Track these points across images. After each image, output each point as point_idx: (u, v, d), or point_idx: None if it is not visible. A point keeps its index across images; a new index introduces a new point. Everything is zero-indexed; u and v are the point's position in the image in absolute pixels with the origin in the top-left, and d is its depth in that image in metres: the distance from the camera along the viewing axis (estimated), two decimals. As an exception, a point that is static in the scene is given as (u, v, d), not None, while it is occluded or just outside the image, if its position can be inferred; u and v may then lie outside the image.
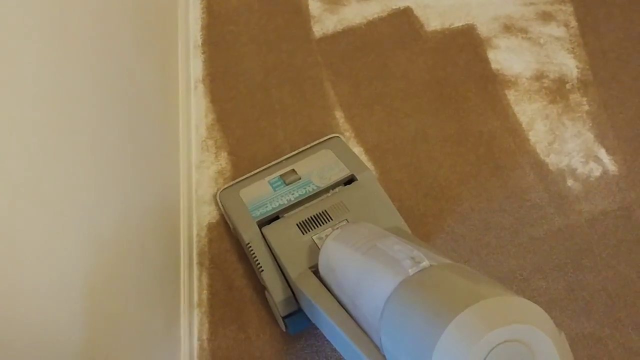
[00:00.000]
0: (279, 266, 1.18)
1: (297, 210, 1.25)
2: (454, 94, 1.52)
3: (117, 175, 1.04)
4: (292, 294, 1.16)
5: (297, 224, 1.20)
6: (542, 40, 1.59)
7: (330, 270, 1.00)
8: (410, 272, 0.75)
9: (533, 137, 1.47)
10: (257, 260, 1.20)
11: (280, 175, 1.33)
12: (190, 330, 1.27)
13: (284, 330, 1.23)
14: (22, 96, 0.71)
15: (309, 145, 1.40)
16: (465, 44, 1.59)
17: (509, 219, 1.38)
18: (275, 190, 1.30)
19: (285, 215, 1.25)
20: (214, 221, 1.40)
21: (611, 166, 1.43)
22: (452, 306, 0.64)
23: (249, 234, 1.23)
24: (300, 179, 1.31)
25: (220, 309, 1.31)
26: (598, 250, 1.35)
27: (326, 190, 1.28)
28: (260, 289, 1.32)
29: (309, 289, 1.05)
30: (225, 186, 1.37)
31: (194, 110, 1.52)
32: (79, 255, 0.83)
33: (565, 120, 1.49)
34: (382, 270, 0.81)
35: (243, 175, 1.38)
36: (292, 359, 1.26)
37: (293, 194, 1.28)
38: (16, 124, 0.69)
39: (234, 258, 1.36)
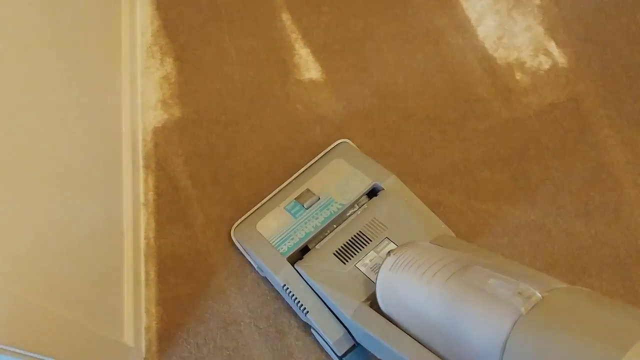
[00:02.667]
0: (324, 302, 1.06)
1: (327, 237, 1.13)
2: (403, -8, 1.50)
3: (47, 77, 1.04)
4: (346, 330, 1.04)
5: (334, 253, 1.07)
6: (494, -64, 1.55)
7: (400, 306, 0.88)
8: (523, 310, 0.64)
9: (482, 32, 1.45)
10: (298, 302, 1.08)
11: (296, 199, 1.19)
12: (135, 228, 1.27)
13: None
14: None
15: (317, 158, 1.28)
16: (415, -58, 1.55)
17: (454, 114, 1.37)
18: (296, 217, 1.17)
19: (317, 245, 1.12)
20: (160, 125, 1.40)
21: (560, 58, 1.41)
22: (605, 353, 0.55)
23: (283, 275, 1.10)
24: (319, 199, 1.17)
25: (166, 209, 1.32)
26: (545, 141, 1.34)
27: (352, 207, 1.15)
28: (206, 186, 1.33)
29: (376, 330, 0.92)
30: (239, 221, 1.25)
31: (139, 17, 1.50)
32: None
33: (516, 15, 1.46)
34: (484, 311, 0.70)
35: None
36: (236, 254, 1.27)
37: (317, 218, 1.15)
38: None
39: (180, 160, 1.36)
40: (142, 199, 1.33)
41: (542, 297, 0.65)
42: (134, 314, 1.19)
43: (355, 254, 1.06)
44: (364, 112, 1.38)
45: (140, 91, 1.42)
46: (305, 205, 1.17)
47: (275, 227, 1.17)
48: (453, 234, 1.09)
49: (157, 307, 1.24)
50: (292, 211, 1.18)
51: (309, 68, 1.43)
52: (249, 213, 1.25)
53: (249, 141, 1.37)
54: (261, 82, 1.42)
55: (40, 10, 1.05)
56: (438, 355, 0.79)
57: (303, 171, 1.26)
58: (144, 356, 1.20)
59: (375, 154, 1.30)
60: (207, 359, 1.19)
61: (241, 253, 1.25)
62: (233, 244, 1.27)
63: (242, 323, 1.21)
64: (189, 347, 1.20)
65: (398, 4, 1.48)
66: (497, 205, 1.28)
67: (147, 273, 1.27)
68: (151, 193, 1.34)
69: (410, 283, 0.85)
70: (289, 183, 1.25)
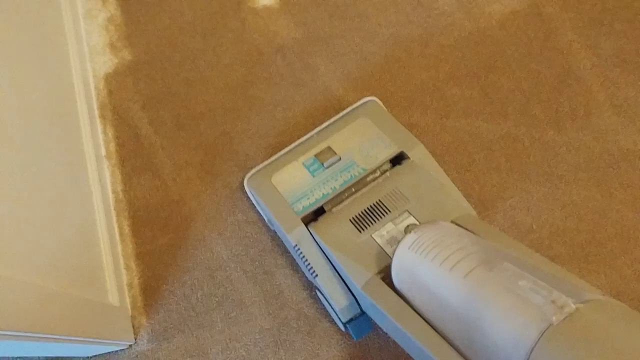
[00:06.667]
0: (335, 268, 1.03)
1: (345, 201, 1.07)
2: None
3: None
4: (353, 297, 1.02)
5: (350, 220, 1.01)
6: None
7: (415, 287, 0.84)
8: (555, 320, 0.61)
9: (438, -59, 1.38)
10: (308, 264, 1.04)
11: (315, 156, 1.12)
12: (101, 183, 1.21)
13: (344, 331, 1.11)
14: None
15: (342, 114, 1.20)
16: None
17: (418, 30, 1.33)
18: (314, 176, 1.10)
19: (333, 209, 1.07)
20: (111, 71, 1.30)
21: (520, -37, 1.37)
22: None
23: (296, 235, 1.05)
24: (340, 159, 1.11)
25: (130, 160, 1.26)
26: (510, 51, 1.32)
27: (373, 172, 1.09)
28: (169, 131, 1.26)
29: (387, 306, 0.88)
30: (253, 171, 1.17)
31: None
32: None
33: None
34: (511, 312, 0.66)
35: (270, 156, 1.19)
36: (212, 198, 1.23)
37: (336, 179, 1.09)
38: None
39: (137, 106, 1.28)
40: (103, 151, 1.26)
41: (576, 308, 0.62)
42: (114, 273, 1.15)
43: (372, 224, 1.00)
44: (325, 37, 1.33)
45: (85, 36, 1.31)
46: (325, 165, 1.11)
47: (291, 182, 1.11)
48: (475, 213, 1.05)
49: (136, 262, 1.21)
50: (311, 168, 1.11)
51: (262, -6, 1.35)
52: (264, 163, 1.18)
53: (208, 78, 1.30)
54: (213, 13, 1.34)
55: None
56: (450, 344, 0.75)
57: (326, 125, 1.19)
58: (130, 313, 1.17)
59: (343, 79, 1.26)
60: (197, 308, 1.17)
61: (251, 202, 1.21)
62: (207, 188, 1.23)
63: (227, 268, 1.19)
64: (175, 298, 1.18)
65: None
66: (469, 122, 1.27)
67: (120, 228, 1.22)
68: (112, 144, 1.27)
69: (430, 267, 0.80)
70: (309, 137, 1.17)
